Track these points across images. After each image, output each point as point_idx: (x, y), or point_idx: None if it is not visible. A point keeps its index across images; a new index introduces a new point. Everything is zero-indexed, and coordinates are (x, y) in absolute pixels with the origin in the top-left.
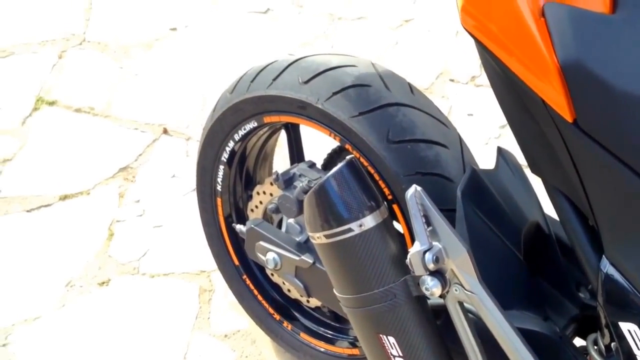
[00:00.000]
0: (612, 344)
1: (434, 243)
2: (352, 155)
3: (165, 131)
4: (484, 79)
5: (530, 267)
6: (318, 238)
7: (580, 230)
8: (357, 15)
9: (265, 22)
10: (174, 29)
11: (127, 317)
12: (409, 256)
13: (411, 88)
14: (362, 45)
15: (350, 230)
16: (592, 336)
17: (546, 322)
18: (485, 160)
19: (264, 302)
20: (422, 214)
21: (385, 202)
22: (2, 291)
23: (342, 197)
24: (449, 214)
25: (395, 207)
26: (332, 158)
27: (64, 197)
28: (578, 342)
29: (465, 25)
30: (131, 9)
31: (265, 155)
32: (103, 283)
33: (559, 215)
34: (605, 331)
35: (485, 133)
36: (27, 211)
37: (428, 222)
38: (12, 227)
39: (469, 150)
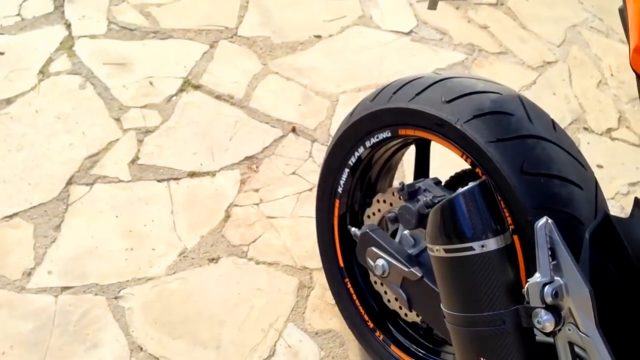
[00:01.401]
0: None
1: (556, 278)
2: (485, 178)
3: (293, 130)
4: (620, 133)
5: None
6: (437, 251)
7: None
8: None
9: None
10: (319, 37)
11: (228, 296)
12: (527, 285)
13: (554, 125)
14: None
15: (471, 248)
16: None
17: None
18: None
19: (360, 307)
20: (548, 246)
21: (510, 229)
22: (123, 249)
23: (469, 215)
24: (573, 254)
25: (515, 238)
26: (456, 180)
27: (192, 174)
28: None
29: (634, 66)
30: (284, 13)
31: (389, 168)
32: (213, 259)
33: None
34: None
35: (613, 187)
36: (158, 181)
37: (553, 256)
38: (142, 193)
39: (604, 196)
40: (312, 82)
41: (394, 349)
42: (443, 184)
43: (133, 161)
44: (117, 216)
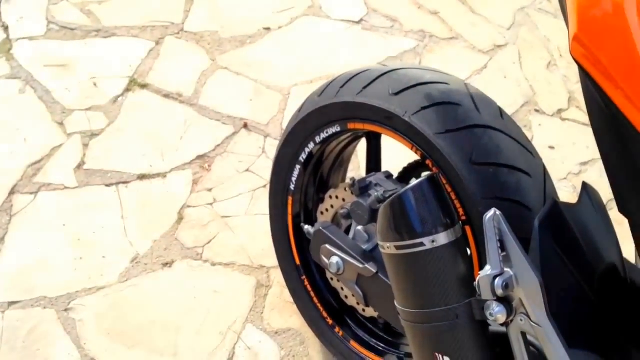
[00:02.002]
0: None
1: (506, 269)
2: (434, 172)
3: (245, 126)
4: (571, 113)
5: (602, 310)
6: (388, 248)
7: None
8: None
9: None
10: (267, 29)
11: (184, 301)
12: (478, 278)
13: (501, 112)
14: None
15: (421, 244)
16: None
17: None
18: (561, 195)
19: (319, 304)
20: (497, 238)
21: (460, 222)
22: (71, 259)
23: (418, 211)
24: (523, 243)
25: (467, 228)
26: (408, 172)
27: (142, 177)
28: None
29: (574, 54)
30: (231, 5)
31: (341, 162)
32: (167, 264)
33: None
34: None
35: (565, 168)
36: (107, 185)
37: (502, 247)
38: (90, 199)
39: (552, 182)
40: (262, 76)
41: (353, 344)
42: (396, 176)
43: (79, 166)
44: (64, 225)
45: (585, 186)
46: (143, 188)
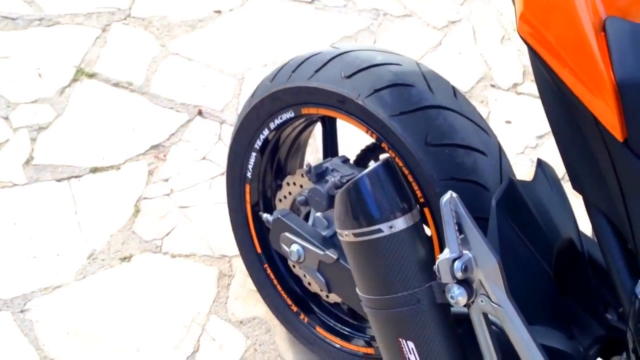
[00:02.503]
0: None
1: (464, 251)
2: (389, 156)
3: (200, 113)
4: (526, 87)
5: (560, 285)
6: (346, 235)
7: (617, 252)
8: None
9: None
10: (218, 12)
11: (145, 295)
12: (437, 262)
13: (455, 92)
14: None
15: (379, 230)
16: (615, 358)
17: (570, 340)
18: (519, 169)
19: (282, 292)
20: (455, 221)
21: (417, 206)
22: (24, 258)
23: (374, 197)
24: (482, 222)
25: (426, 210)
26: (366, 155)
27: (95, 170)
28: None
29: (521, 33)
30: None
31: (298, 147)
32: (125, 258)
33: (596, 235)
34: (632, 355)
35: (521, 142)
36: (57, 180)
37: (460, 230)
38: (41, 196)
39: (508, 160)
40: (215, 60)
41: (319, 330)
42: (353, 160)
43: (27, 162)
44: (15, 223)
45: (540, 162)
46: (96, 181)
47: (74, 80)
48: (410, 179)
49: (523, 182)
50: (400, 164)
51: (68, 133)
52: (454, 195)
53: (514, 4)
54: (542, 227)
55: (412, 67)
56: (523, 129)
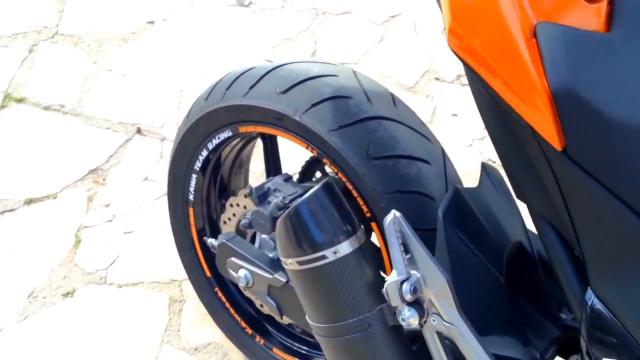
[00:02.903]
0: None
1: (412, 272)
2: (329, 177)
3: (138, 131)
4: None
5: (512, 289)
6: (290, 264)
7: (565, 261)
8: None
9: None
10: (152, 22)
11: (93, 330)
12: (385, 286)
13: (394, 100)
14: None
15: (324, 257)
16: (573, 357)
17: (526, 347)
18: (467, 162)
19: (236, 315)
20: (400, 242)
21: (362, 226)
22: None
23: (316, 222)
24: (430, 233)
25: (373, 225)
26: (310, 168)
27: (30, 201)
28: None
29: (452, 47)
30: (107, 0)
31: (240, 163)
32: (68, 294)
33: (543, 244)
34: (586, 357)
35: (469, 134)
36: None
37: (407, 250)
38: None
39: (453, 166)
40: (151, 74)
41: (276, 351)
42: (298, 173)
43: None
44: None
45: (484, 167)
46: (32, 213)
47: (2, 106)
48: (355, 194)
49: (468, 190)
50: (344, 179)
51: None
52: (397, 214)
53: (442, 17)
54: (490, 233)
55: (349, 78)
56: (469, 121)
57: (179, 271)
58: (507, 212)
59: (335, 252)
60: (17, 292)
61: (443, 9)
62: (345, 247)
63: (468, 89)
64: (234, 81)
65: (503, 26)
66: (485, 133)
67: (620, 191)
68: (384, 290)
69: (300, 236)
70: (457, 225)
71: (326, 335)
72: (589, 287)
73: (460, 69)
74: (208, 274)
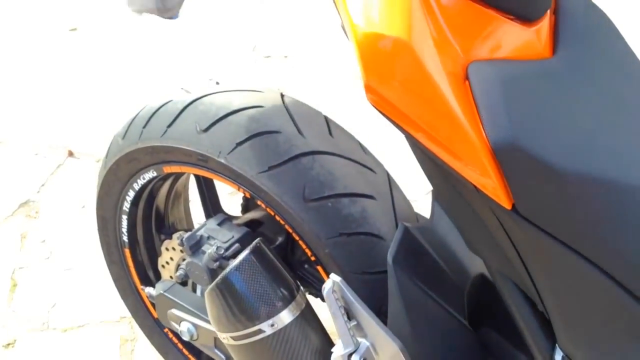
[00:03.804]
0: None
1: (361, 340)
2: (258, 240)
3: (70, 154)
4: None
5: (477, 323)
6: (225, 339)
7: (531, 318)
8: None
9: None
10: (74, 29)
11: None
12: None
13: (329, 127)
14: None
15: (260, 331)
16: None
17: None
18: None
19: (189, 355)
20: (342, 311)
21: (301, 289)
22: None
23: (248, 293)
24: (382, 275)
25: (320, 269)
26: (249, 204)
27: None
28: None
29: (372, 103)
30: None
31: (176, 194)
32: (8, 345)
33: (506, 300)
34: None
35: None
36: None
37: (351, 316)
38: None
39: (401, 193)
40: (77, 90)
41: None
42: (240, 212)
43: None
44: None
45: (435, 196)
46: None
47: None
48: (296, 237)
49: (419, 227)
50: (282, 222)
51: None
52: (337, 279)
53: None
54: (447, 272)
55: (277, 108)
56: None
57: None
58: (463, 244)
59: (272, 325)
60: None
61: (359, 63)
62: (284, 317)
63: None
64: (150, 118)
65: (425, 79)
66: None
67: (576, 244)
68: None
69: (232, 309)
70: (409, 268)
71: None
72: (556, 344)
73: None
74: (155, 315)
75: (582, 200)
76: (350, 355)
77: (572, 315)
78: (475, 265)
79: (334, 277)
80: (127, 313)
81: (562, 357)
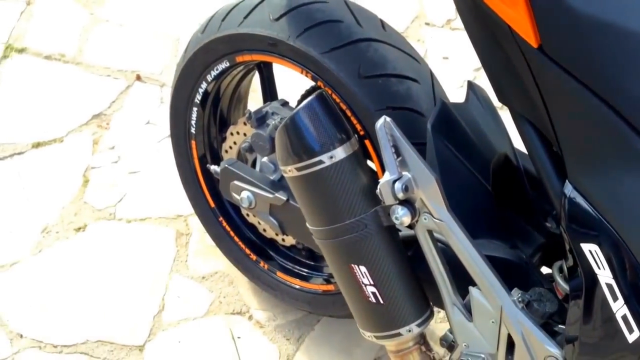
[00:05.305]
0: (576, 268)
1: (404, 173)
2: (322, 89)
3: (138, 78)
4: (459, 22)
5: (499, 198)
6: (290, 171)
7: (544, 156)
8: None
9: None
10: None
11: (105, 261)
12: (379, 186)
13: (382, 24)
14: None
15: (321, 162)
16: (557, 263)
17: (513, 249)
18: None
19: (240, 243)
20: (391, 144)
21: (356, 135)
22: None
23: (312, 130)
24: (420, 147)
25: (367, 142)
26: (306, 98)
27: (37, 145)
28: (544, 270)
29: None
30: None
31: (239, 97)
32: (79, 229)
33: (524, 143)
34: (569, 256)
35: (460, 76)
36: (0, 159)
37: (397, 153)
38: None
39: (440, 84)
40: (147, 24)
41: (279, 274)
42: (296, 103)
43: None
44: None
45: (470, 85)
46: (40, 156)
47: (4, 57)
48: (349, 113)
49: (455, 104)
50: (338, 99)
51: (5, 111)
52: (388, 119)
53: None
54: (477, 144)
55: (339, 4)
56: (460, 63)
57: (184, 207)
58: (493, 126)
59: (331, 157)
60: (31, 228)
61: None
62: (340, 153)
63: (457, 32)
64: (228, 12)
65: None
66: (476, 74)
67: (594, 86)
68: (377, 190)
69: (298, 143)
70: (445, 136)
71: (325, 238)
72: (567, 180)
73: (449, 13)
74: (212, 204)
75: (602, 45)
76: (394, 182)
77: (584, 151)
78: (501, 146)
79: (386, 117)
80: (183, 211)
81: (571, 189)
